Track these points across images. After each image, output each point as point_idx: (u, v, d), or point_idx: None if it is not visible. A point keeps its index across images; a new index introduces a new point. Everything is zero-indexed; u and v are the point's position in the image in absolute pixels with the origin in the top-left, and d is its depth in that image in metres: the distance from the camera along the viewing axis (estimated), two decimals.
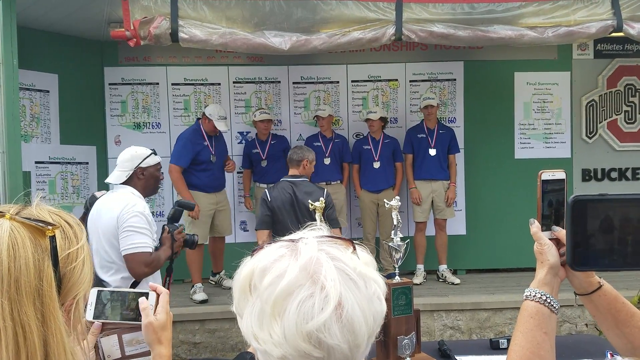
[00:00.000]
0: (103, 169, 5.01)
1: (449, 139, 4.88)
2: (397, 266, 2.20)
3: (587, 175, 5.34)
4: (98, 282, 2.22)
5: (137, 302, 1.04)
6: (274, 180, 4.87)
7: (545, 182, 0.75)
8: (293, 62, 5.06)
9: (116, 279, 2.29)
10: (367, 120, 4.85)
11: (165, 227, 2.43)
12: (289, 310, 0.56)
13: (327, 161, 4.88)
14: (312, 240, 0.60)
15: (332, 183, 4.91)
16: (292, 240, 0.61)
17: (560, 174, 0.76)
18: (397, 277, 2.15)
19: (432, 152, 4.80)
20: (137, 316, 1.04)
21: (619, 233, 0.53)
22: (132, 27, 3.53)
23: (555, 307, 0.83)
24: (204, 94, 5.16)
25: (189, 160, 4.44)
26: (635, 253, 0.58)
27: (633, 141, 5.37)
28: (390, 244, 2.20)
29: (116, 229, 2.26)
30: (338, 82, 5.30)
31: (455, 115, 5.31)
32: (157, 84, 5.12)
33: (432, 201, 4.85)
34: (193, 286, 4.38)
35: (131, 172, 2.39)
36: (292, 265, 0.57)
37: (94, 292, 1.03)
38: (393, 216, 2.28)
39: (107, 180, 2.64)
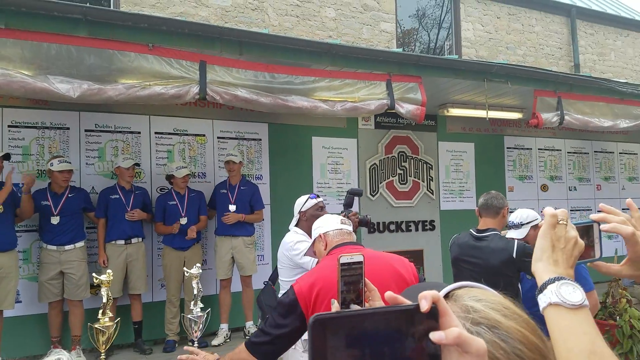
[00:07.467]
0: None
1: (251, 193, 4.94)
2: (195, 339, 2.08)
3: (372, 228, 6.09)
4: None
5: None
6: (68, 242, 4.24)
7: (343, 264, 0.80)
8: (86, 108, 4.61)
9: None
10: (172, 176, 4.68)
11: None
12: None
13: (127, 216, 4.52)
14: None
15: (133, 242, 4.52)
16: None
17: (358, 257, 0.81)
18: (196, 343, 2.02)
19: (232, 207, 4.82)
20: None
21: (360, 351, 0.47)
22: None
23: None
24: None
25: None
26: None
27: (405, 199, 6.36)
28: (189, 316, 2.07)
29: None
30: (140, 132, 5.01)
31: (262, 172, 5.51)
32: None
33: (233, 258, 4.83)
34: None
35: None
36: None
37: None
38: (193, 285, 2.17)
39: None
